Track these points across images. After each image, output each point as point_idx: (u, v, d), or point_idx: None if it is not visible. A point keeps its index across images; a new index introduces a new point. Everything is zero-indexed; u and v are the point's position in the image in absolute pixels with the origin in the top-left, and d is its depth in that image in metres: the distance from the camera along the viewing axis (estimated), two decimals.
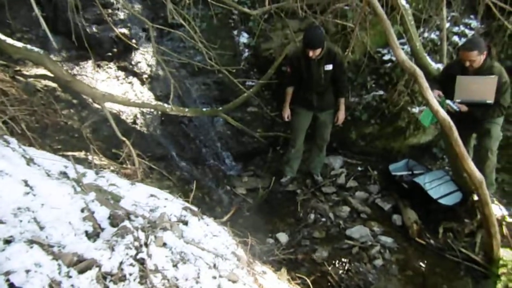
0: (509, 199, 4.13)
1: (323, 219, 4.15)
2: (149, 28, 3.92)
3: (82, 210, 1.55)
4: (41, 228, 1.35)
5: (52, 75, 3.57)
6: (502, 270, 3.34)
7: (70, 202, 1.55)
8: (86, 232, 1.47)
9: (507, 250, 3.48)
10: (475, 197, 3.62)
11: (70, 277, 1.23)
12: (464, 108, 3.45)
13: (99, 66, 4.55)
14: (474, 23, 4.90)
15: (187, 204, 2.17)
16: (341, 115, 4.22)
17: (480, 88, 3.35)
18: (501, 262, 3.38)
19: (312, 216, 4.20)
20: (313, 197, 4.47)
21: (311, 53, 3.74)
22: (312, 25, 4.22)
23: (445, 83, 3.60)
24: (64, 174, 1.82)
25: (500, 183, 4.22)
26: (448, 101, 3.46)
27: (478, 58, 3.30)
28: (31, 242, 1.25)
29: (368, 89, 4.86)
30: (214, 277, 1.63)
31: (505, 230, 3.60)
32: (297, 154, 4.56)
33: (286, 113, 4.33)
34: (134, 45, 4.72)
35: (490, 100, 3.34)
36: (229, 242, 2.05)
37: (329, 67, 3.94)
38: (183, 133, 4.83)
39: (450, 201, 3.90)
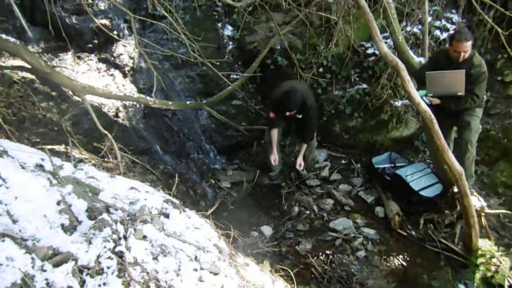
0: (488, 191, 4.22)
1: (307, 212, 4.17)
2: (131, 19, 3.83)
3: (58, 203, 1.50)
4: (14, 221, 1.31)
5: (29, 66, 3.47)
6: (480, 260, 3.41)
7: (45, 195, 1.51)
8: (62, 225, 1.43)
9: (486, 240, 3.56)
10: (455, 189, 3.69)
11: (45, 271, 1.20)
12: (436, 101, 3.52)
13: (79, 57, 4.45)
14: (455, 18, 4.97)
15: (168, 197, 2.15)
16: (299, 160, 4.38)
17: (450, 82, 3.41)
18: (479, 252, 3.45)
19: (296, 209, 4.22)
20: (297, 190, 4.48)
21: (287, 113, 4.02)
22: (289, 88, 4.07)
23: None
24: (40, 167, 1.76)
25: (479, 175, 4.31)
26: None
27: (470, 48, 3.35)
28: (3, 235, 1.21)
29: (351, 83, 4.90)
30: (195, 270, 1.62)
31: (483, 221, 3.68)
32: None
33: (273, 157, 4.37)
34: (116, 37, 4.62)
35: (461, 92, 3.41)
36: (211, 235, 2.04)
37: (300, 116, 4.17)
38: (167, 127, 4.78)
39: (431, 193, 3.96)
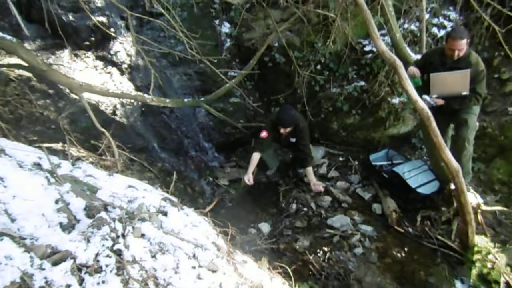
0: (485, 188, 4.25)
1: (305, 209, 4.19)
2: (128, 16, 3.81)
3: (56, 202, 1.51)
4: (13, 220, 1.31)
5: (26, 64, 3.45)
6: (476, 256, 3.44)
7: (43, 194, 1.51)
8: (61, 223, 1.44)
9: (482, 237, 3.59)
10: (452, 186, 3.71)
11: (43, 269, 1.20)
12: (441, 102, 3.51)
13: (76, 55, 4.43)
14: (453, 15, 4.96)
15: (166, 195, 2.15)
16: (313, 183, 4.12)
17: (455, 82, 3.41)
18: (476, 248, 3.48)
19: (294, 206, 4.23)
20: (295, 188, 4.50)
21: (282, 130, 4.05)
22: (285, 105, 4.37)
23: (423, 70, 3.66)
24: (37, 165, 1.76)
25: (476, 172, 4.33)
26: (424, 96, 3.51)
27: (465, 46, 3.34)
28: (1, 234, 1.21)
29: (349, 80, 4.90)
30: (194, 267, 1.63)
31: (480, 217, 3.71)
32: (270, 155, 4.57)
33: (248, 177, 4.11)
34: (113, 34, 4.61)
35: (465, 92, 3.40)
36: (210, 232, 2.04)
37: (293, 140, 4.25)
38: (165, 124, 4.78)
39: (428, 190, 3.98)
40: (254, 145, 4.36)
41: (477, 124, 3.79)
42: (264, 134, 4.17)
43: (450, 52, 3.37)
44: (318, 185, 4.09)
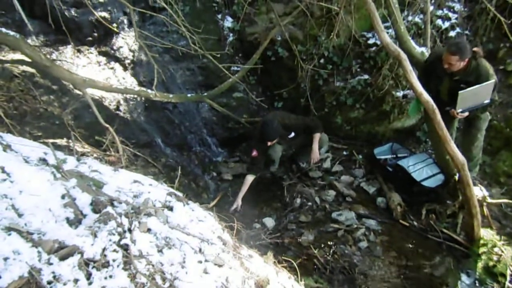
0: (490, 180, 4.23)
1: (309, 203, 4.19)
2: (130, 11, 3.80)
3: (63, 197, 1.51)
4: (20, 215, 1.31)
5: (29, 60, 3.45)
6: (482, 249, 3.43)
7: (49, 189, 1.51)
8: (67, 218, 1.44)
9: (488, 230, 3.58)
10: (457, 179, 3.70)
11: (51, 264, 1.20)
12: (465, 115, 3.37)
13: (79, 51, 4.42)
14: (457, 6, 4.92)
15: (172, 190, 2.15)
16: (314, 154, 4.19)
17: (480, 94, 3.27)
18: (481, 241, 3.47)
19: (298, 200, 4.23)
20: (299, 182, 4.49)
21: (269, 143, 4.01)
22: (266, 117, 4.18)
23: (426, 76, 3.60)
24: (43, 161, 1.76)
25: (482, 164, 4.31)
26: None
27: (457, 63, 3.21)
28: (9, 229, 1.21)
29: (353, 74, 4.87)
30: (200, 262, 1.63)
31: (485, 210, 3.69)
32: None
33: (237, 204, 4.01)
34: (115, 30, 4.59)
35: (487, 101, 3.30)
36: (215, 227, 2.04)
37: (292, 134, 4.26)
38: (168, 120, 4.77)
39: (433, 183, 3.97)
40: (248, 166, 4.25)
41: (488, 114, 3.72)
42: (254, 153, 4.10)
43: (443, 63, 3.28)
44: (315, 154, 4.19)
